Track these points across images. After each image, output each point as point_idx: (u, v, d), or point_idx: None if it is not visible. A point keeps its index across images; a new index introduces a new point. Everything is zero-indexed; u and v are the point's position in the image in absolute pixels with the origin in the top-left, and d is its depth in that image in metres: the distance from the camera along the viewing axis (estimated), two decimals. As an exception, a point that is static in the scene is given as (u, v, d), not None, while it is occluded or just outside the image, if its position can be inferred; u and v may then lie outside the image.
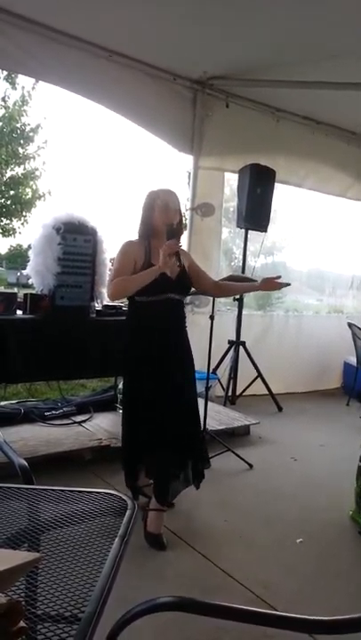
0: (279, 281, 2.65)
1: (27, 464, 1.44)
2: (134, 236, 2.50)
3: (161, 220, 2.40)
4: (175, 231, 2.41)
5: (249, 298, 5.30)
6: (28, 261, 3.21)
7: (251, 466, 3.28)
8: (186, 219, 4.96)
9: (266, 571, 2.18)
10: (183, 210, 6.21)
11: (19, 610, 0.64)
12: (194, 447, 2.52)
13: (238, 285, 2.89)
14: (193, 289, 2.66)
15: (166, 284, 2.35)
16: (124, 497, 1.06)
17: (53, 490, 1.12)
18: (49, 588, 0.78)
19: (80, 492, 1.11)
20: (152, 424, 2.37)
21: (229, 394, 4.66)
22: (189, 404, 2.53)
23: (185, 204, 5.15)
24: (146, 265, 2.36)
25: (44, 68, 3.66)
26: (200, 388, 4.01)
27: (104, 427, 3.48)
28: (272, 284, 2.66)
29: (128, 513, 1.00)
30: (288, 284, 2.74)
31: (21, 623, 0.65)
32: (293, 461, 3.50)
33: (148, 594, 0.93)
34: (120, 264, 2.40)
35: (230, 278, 3.46)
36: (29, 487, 1.18)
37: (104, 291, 3.36)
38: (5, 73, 10.91)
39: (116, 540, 0.90)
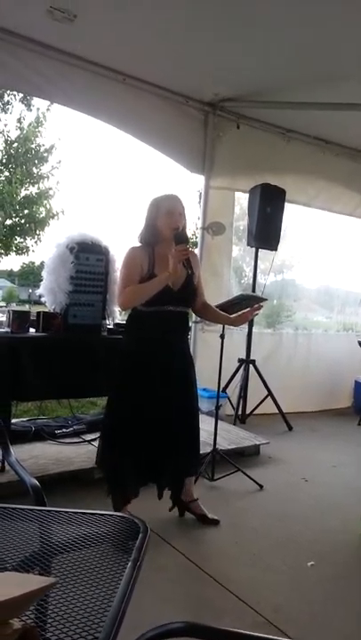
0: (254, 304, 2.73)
1: (39, 484, 1.45)
2: (136, 244, 2.46)
3: (166, 225, 2.36)
4: (182, 235, 2.35)
5: (258, 316, 5.28)
6: (41, 279, 3.26)
7: (261, 486, 3.24)
8: (196, 237, 5.01)
9: (277, 594, 2.14)
10: (194, 228, 6.22)
11: (34, 635, 0.65)
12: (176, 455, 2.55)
13: (219, 314, 2.72)
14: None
15: (166, 295, 2.32)
16: (137, 520, 1.06)
17: (66, 512, 1.13)
18: (62, 612, 0.78)
19: (92, 514, 1.11)
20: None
21: (239, 413, 4.63)
22: (181, 423, 2.52)
23: (196, 223, 5.20)
24: (150, 273, 2.34)
25: (58, 91, 3.76)
26: (210, 406, 4.02)
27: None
28: (244, 316, 2.69)
29: (141, 536, 1.00)
30: (265, 299, 2.91)
31: (36, 649, 0.66)
32: (304, 482, 3.46)
33: (158, 617, 0.93)
34: (128, 270, 2.38)
35: (240, 297, 3.49)
36: (42, 509, 1.18)
37: (116, 309, 3.39)
38: (21, 95, 11.18)
39: (129, 564, 0.90)
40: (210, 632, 0.93)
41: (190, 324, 3.85)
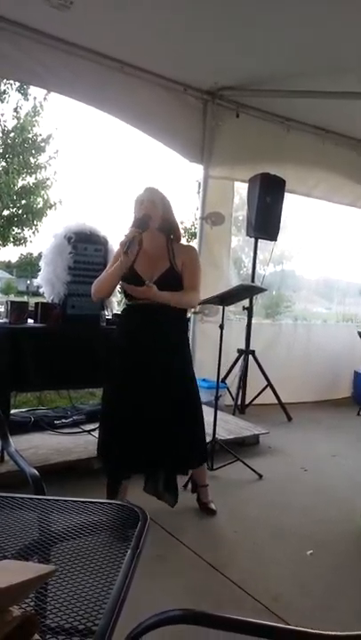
0: None
1: (38, 474, 1.45)
2: None
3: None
4: (135, 221, 2.33)
5: (258, 306, 5.29)
6: (39, 270, 3.24)
7: (260, 476, 3.26)
8: (195, 227, 4.99)
9: (277, 583, 2.15)
10: (193, 218, 6.18)
11: (34, 622, 0.65)
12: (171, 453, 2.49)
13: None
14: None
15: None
16: (136, 508, 1.06)
17: (65, 500, 1.13)
18: (62, 600, 0.78)
19: (92, 502, 1.11)
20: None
21: (239, 403, 4.64)
22: (168, 418, 2.44)
23: (194, 214, 5.18)
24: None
25: (56, 80, 3.72)
26: (210, 397, 4.02)
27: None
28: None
29: (140, 524, 1.00)
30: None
31: (36, 636, 0.66)
32: (304, 472, 3.48)
33: (157, 605, 0.93)
34: (110, 263, 2.52)
35: (240, 287, 3.48)
36: (41, 498, 1.18)
37: (114, 300, 3.37)
38: (18, 84, 11.07)
39: (129, 552, 0.90)
40: (208, 619, 0.93)
41: (189, 314, 3.84)
